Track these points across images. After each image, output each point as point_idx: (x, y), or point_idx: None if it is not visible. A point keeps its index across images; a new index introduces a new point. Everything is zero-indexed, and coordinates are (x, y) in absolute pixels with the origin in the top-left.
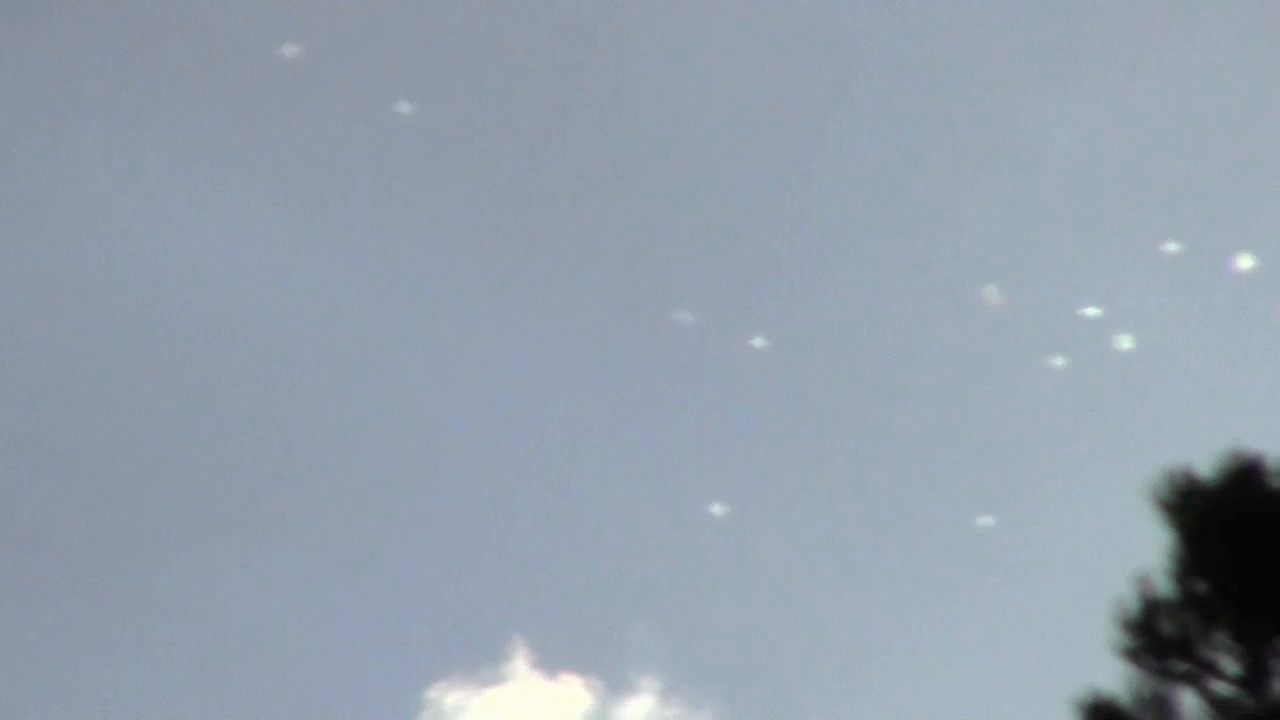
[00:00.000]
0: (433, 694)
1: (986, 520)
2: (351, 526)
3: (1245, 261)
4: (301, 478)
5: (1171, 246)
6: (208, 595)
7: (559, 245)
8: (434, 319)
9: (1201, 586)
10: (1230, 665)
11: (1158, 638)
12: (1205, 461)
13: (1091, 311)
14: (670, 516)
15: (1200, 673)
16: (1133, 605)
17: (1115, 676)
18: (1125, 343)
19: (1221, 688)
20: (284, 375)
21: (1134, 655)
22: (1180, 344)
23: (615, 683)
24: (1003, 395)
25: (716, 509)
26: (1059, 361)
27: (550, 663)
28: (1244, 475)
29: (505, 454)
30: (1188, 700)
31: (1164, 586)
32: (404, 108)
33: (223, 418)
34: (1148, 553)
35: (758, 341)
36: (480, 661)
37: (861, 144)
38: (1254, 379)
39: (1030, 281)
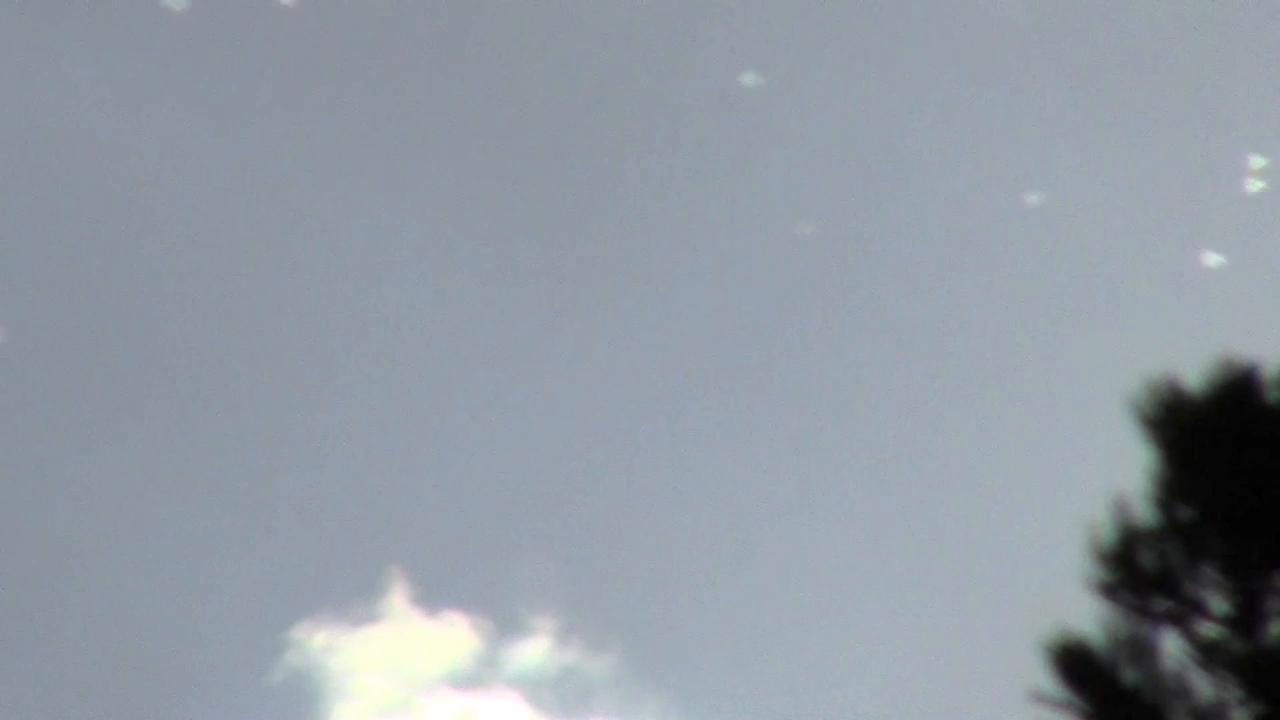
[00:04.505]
0: (298, 633)
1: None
2: (206, 441)
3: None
4: (154, 384)
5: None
6: (43, 504)
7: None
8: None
9: (1187, 513)
10: (1219, 603)
11: (1137, 571)
12: (1193, 371)
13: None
14: (565, 433)
15: (1185, 611)
16: (1109, 533)
17: (1088, 615)
18: None
19: (1209, 629)
20: (138, 261)
21: (1110, 591)
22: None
23: (506, 622)
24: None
25: (613, 389)
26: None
27: (432, 599)
28: (1237, 387)
29: (384, 363)
30: (1170, 642)
31: (1145, 512)
32: None
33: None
34: (1127, 474)
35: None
36: (352, 597)
37: None
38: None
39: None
